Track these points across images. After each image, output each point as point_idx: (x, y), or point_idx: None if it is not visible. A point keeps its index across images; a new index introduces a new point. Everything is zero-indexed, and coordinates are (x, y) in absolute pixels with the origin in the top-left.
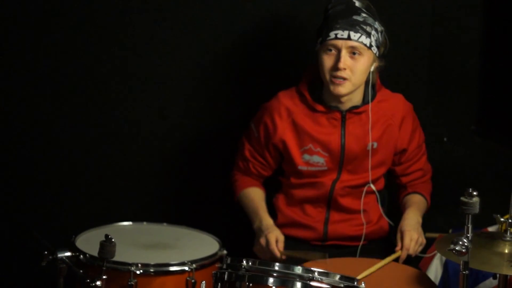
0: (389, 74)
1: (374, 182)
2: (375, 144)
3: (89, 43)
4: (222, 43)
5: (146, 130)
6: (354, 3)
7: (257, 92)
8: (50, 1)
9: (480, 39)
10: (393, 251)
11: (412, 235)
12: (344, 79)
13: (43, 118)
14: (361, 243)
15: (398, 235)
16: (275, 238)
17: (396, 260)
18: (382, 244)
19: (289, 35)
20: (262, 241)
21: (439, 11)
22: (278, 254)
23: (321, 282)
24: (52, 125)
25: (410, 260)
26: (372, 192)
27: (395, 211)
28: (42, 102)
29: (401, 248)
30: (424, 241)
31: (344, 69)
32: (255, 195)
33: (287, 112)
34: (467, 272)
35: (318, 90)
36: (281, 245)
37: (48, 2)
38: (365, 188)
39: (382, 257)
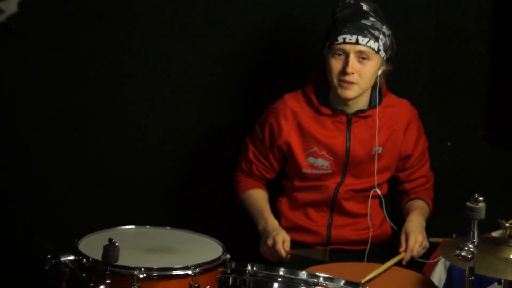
0: (392, 78)
1: (378, 186)
2: (380, 149)
3: (93, 47)
4: (227, 45)
5: (149, 133)
6: (362, 6)
7: (261, 94)
8: (51, 3)
9: (488, 42)
10: (397, 254)
11: (417, 236)
12: (352, 83)
13: (47, 121)
14: (368, 247)
15: (403, 237)
16: (282, 239)
17: (400, 262)
18: (386, 248)
19: (295, 37)
20: (269, 242)
21: (443, 14)
22: (284, 254)
23: (326, 287)
24: (56, 128)
25: (413, 264)
26: (377, 196)
27: (398, 217)
28: (46, 105)
29: (405, 250)
30: (427, 244)
31: (352, 73)
32: (259, 197)
33: (292, 115)
34: (472, 278)
35: (324, 92)
36: (287, 245)
37: (49, 5)
38: (371, 193)
39: (386, 260)
